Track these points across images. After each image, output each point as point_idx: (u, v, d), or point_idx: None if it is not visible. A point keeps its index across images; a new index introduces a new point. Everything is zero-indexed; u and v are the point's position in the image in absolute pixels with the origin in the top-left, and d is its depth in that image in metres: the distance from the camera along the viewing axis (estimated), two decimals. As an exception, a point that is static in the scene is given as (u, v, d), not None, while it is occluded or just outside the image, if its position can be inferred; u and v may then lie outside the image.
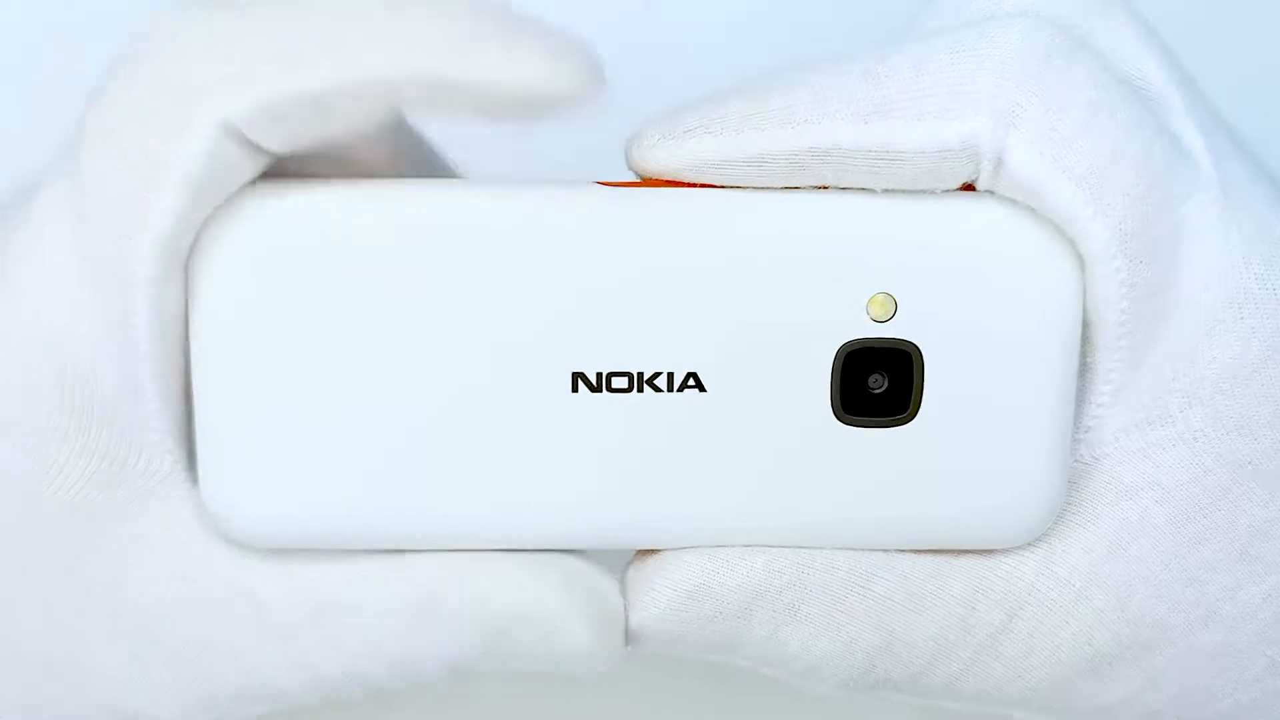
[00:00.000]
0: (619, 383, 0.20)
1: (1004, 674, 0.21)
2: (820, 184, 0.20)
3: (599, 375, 0.20)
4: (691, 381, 0.20)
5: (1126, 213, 0.19)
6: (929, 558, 0.21)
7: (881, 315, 0.20)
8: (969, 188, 0.20)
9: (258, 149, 0.19)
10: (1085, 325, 0.20)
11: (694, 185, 0.20)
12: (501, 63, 0.18)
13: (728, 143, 0.20)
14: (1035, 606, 0.21)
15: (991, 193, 0.20)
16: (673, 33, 0.32)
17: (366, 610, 0.20)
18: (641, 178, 0.21)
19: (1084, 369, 0.21)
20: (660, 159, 0.20)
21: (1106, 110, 0.19)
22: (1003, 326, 0.20)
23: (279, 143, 0.19)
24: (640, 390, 0.20)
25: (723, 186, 0.20)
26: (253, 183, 0.20)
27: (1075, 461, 0.21)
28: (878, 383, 0.20)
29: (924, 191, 0.20)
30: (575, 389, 0.20)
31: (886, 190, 0.20)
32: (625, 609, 0.21)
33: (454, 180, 0.21)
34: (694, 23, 0.32)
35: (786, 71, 0.20)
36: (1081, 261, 0.20)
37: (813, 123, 0.19)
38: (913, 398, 0.20)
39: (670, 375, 0.20)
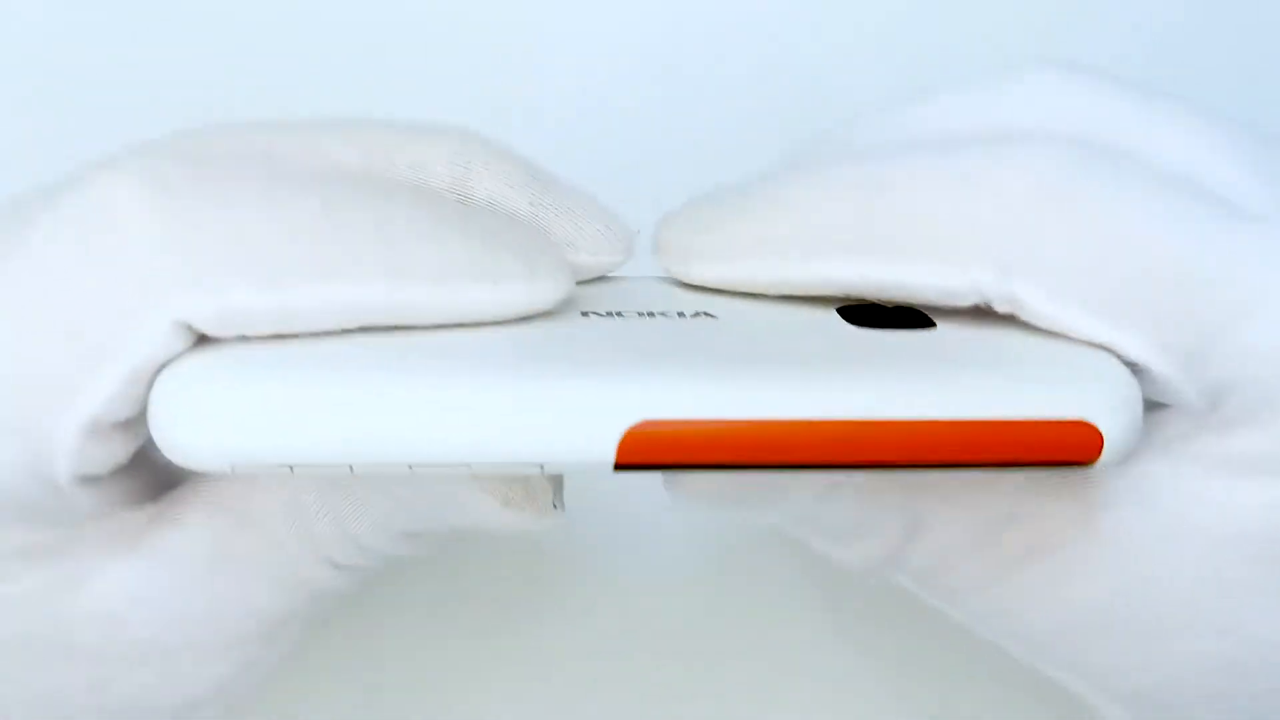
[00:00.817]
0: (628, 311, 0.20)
1: (1009, 605, 0.21)
2: (840, 295, 0.20)
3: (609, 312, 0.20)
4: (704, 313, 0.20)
5: (1159, 321, 0.19)
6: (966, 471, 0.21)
7: None
8: None
9: (204, 336, 0.18)
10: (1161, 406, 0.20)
11: None
12: (487, 298, 0.18)
13: (737, 269, 0.21)
14: (1061, 556, 0.21)
15: None
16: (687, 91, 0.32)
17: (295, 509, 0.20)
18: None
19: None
20: (678, 274, 0.21)
21: (1122, 228, 0.19)
22: None
23: (232, 335, 0.18)
24: (651, 316, 0.20)
25: None
26: None
27: (1160, 440, 0.20)
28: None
29: None
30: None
31: None
32: (551, 481, 0.21)
33: None
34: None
35: (784, 177, 0.20)
36: None
37: (820, 257, 0.20)
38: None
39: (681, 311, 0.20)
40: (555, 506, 0.21)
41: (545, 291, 0.19)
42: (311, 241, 0.18)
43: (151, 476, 0.22)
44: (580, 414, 0.17)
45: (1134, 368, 0.19)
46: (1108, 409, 0.19)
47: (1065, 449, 0.18)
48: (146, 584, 0.20)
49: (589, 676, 0.29)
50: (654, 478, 0.21)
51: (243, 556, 0.20)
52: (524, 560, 0.30)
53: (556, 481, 0.21)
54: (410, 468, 0.18)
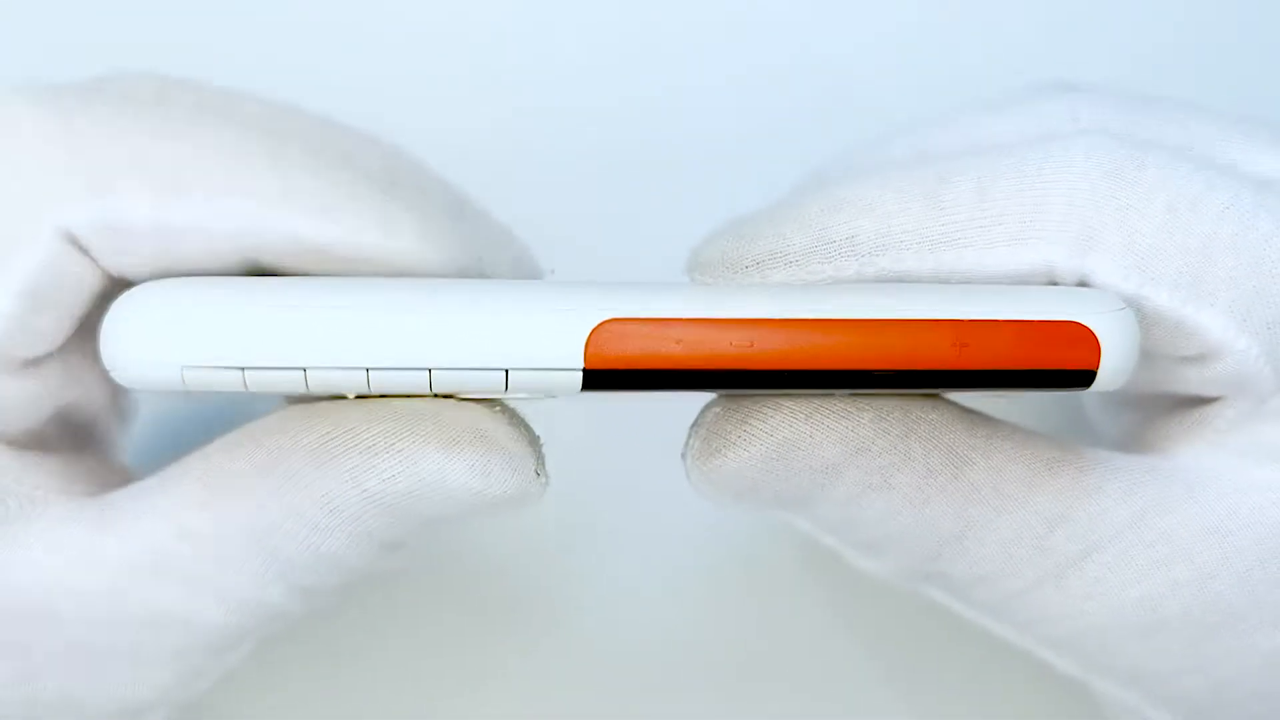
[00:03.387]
0: None
1: (1059, 610, 0.21)
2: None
3: None
4: None
5: (1235, 294, 0.19)
6: (1025, 463, 0.20)
7: None
8: None
9: (97, 266, 0.19)
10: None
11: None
12: (376, 234, 0.18)
13: (794, 275, 0.19)
14: (1113, 555, 0.20)
15: None
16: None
17: (243, 530, 0.19)
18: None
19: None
20: (731, 283, 0.20)
21: (1187, 204, 0.19)
22: None
23: (117, 264, 0.18)
24: None
25: None
26: None
27: (1210, 433, 0.21)
28: None
29: None
30: None
31: None
32: (534, 447, 0.20)
33: None
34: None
35: (835, 181, 0.20)
36: None
37: (879, 254, 0.19)
38: None
39: None
40: (538, 475, 0.20)
41: (440, 251, 0.18)
42: (197, 158, 0.18)
43: (95, 466, 0.21)
44: (545, 312, 0.17)
45: (1215, 348, 0.19)
46: (1104, 317, 0.18)
47: (1062, 352, 0.18)
48: (83, 581, 0.19)
49: (585, 681, 0.29)
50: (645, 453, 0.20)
51: (189, 569, 0.19)
52: (517, 567, 0.30)
53: (537, 449, 0.20)
54: (368, 374, 0.17)
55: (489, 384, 0.17)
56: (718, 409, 0.20)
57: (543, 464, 0.20)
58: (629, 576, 0.30)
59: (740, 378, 0.18)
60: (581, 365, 0.17)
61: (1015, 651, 0.23)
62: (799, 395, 0.19)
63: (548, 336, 0.17)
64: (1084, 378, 0.19)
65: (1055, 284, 0.19)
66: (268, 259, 0.19)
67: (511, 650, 0.29)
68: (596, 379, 0.17)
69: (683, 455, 0.20)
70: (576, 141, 0.31)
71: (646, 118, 0.32)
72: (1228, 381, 0.20)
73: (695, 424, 0.20)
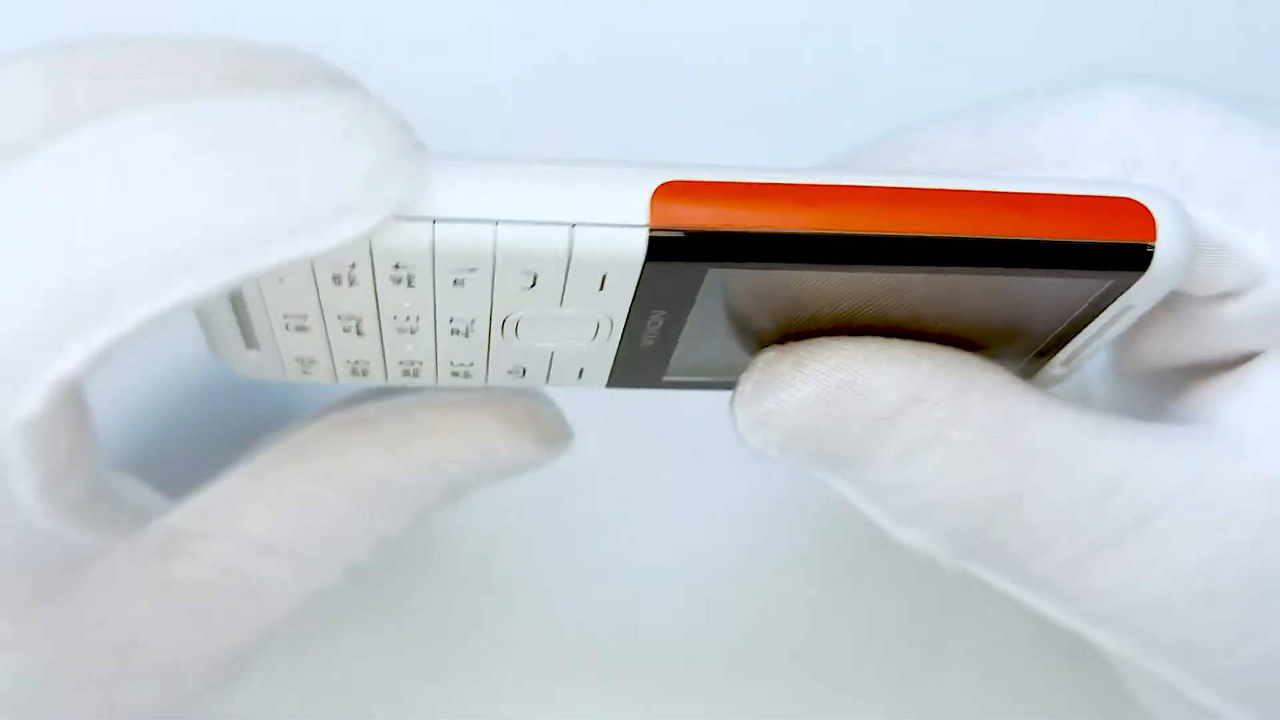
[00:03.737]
0: None
1: (1114, 581, 0.20)
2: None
3: None
4: None
5: (1278, 217, 0.19)
6: (1079, 427, 0.20)
7: None
8: None
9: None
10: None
11: None
12: (286, 250, 0.16)
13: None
14: (1170, 519, 0.20)
15: None
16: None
17: (321, 538, 0.21)
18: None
19: None
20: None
21: (1228, 132, 0.19)
22: None
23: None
24: None
25: None
26: None
27: (1254, 393, 0.21)
28: None
29: None
30: None
31: None
32: (560, 416, 0.22)
33: None
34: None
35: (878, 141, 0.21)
36: None
37: (933, 178, 0.19)
38: None
39: None
40: (570, 436, 0.22)
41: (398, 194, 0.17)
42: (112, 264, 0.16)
43: (119, 485, 0.21)
44: (614, 174, 0.17)
45: (1258, 271, 0.19)
46: (1158, 198, 0.18)
47: (1119, 224, 0.18)
48: (158, 611, 0.20)
49: (584, 673, 0.29)
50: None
51: (265, 578, 0.21)
52: (522, 558, 0.30)
53: (559, 414, 0.22)
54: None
55: (554, 247, 0.17)
56: (771, 354, 0.19)
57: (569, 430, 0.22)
58: (627, 570, 0.29)
59: (805, 244, 0.17)
60: (648, 221, 0.17)
61: (1019, 641, 0.23)
62: (858, 332, 0.19)
63: (614, 191, 0.17)
64: (1142, 257, 0.18)
65: None
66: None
67: (508, 642, 0.29)
68: (663, 240, 0.17)
69: (730, 403, 0.20)
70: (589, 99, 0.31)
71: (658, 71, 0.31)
72: (1269, 314, 0.20)
73: (748, 371, 0.20)
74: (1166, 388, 0.23)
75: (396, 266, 0.17)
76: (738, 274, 0.18)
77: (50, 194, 0.16)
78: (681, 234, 0.17)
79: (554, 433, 0.22)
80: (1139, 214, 0.18)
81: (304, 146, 0.16)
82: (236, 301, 0.19)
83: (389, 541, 0.22)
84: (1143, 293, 0.19)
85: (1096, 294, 0.19)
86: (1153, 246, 0.18)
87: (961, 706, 0.29)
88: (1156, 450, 0.20)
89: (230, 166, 0.16)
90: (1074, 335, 0.21)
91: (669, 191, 0.17)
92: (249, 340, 0.20)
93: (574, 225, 0.17)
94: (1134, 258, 0.18)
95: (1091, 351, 0.21)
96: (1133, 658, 0.21)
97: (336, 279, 0.18)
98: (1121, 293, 0.19)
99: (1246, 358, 0.21)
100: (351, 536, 0.21)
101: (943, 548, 0.21)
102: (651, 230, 0.17)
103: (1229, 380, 0.21)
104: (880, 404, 0.19)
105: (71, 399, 0.17)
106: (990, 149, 0.20)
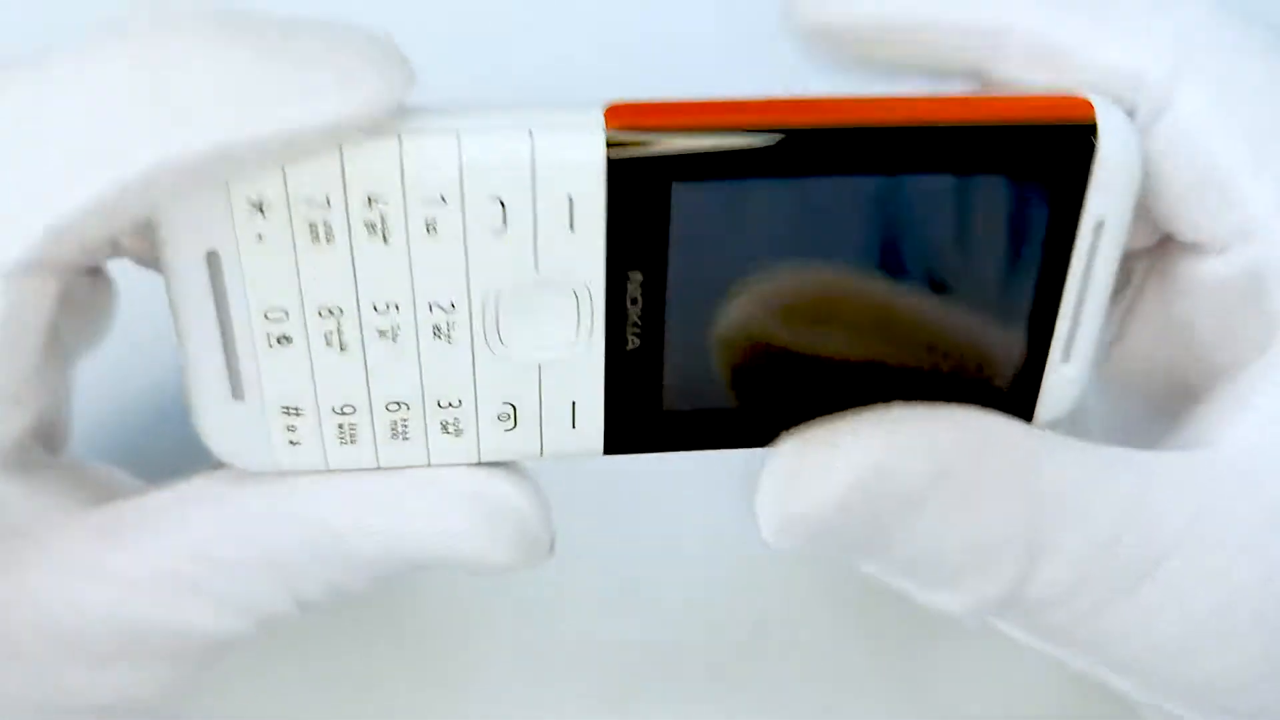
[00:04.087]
0: None
1: (1131, 625, 0.20)
2: (972, 69, 0.20)
3: None
4: None
5: None
6: (1086, 470, 0.20)
7: None
8: None
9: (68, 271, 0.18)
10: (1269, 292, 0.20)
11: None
12: (291, 113, 0.17)
13: (914, 4, 0.19)
14: (1178, 562, 0.20)
15: None
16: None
17: (270, 564, 0.20)
18: (799, 32, 0.20)
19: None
20: (832, 10, 0.20)
21: None
22: None
23: (76, 258, 0.18)
24: None
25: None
26: None
27: (1251, 413, 0.20)
28: None
29: None
30: None
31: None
32: (547, 522, 0.21)
33: None
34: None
35: None
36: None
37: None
38: None
39: None
40: (550, 551, 0.21)
41: (369, 101, 0.17)
42: (97, 129, 0.17)
43: (80, 472, 0.21)
44: (562, 104, 0.19)
45: (1251, 224, 0.20)
46: (1097, 95, 0.19)
47: (1055, 110, 0.19)
48: (89, 594, 0.20)
49: (581, 676, 0.29)
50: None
51: (202, 587, 0.20)
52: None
53: (546, 520, 0.21)
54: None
55: (515, 152, 0.18)
56: (789, 449, 0.19)
57: (554, 539, 0.21)
58: (627, 571, 0.30)
59: (759, 148, 0.18)
60: (603, 124, 0.18)
61: (1016, 645, 0.22)
62: (864, 407, 0.19)
63: (570, 114, 0.18)
64: (1085, 140, 0.19)
65: (1139, 101, 0.20)
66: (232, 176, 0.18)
67: (507, 643, 0.29)
68: (620, 144, 0.18)
69: (754, 504, 0.20)
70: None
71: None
72: (1251, 276, 0.20)
73: (766, 469, 0.20)
74: (1166, 411, 0.23)
75: (369, 203, 0.18)
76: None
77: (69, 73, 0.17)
78: (636, 134, 0.18)
79: (532, 539, 0.20)
80: (1076, 103, 0.19)
81: (307, 38, 0.17)
82: (224, 322, 0.19)
83: (344, 593, 0.21)
84: (1105, 196, 0.19)
85: (1060, 210, 0.19)
86: (1094, 124, 0.19)
87: (961, 707, 0.29)
88: (1160, 486, 0.20)
89: (243, 46, 0.17)
90: (1057, 293, 0.20)
91: (619, 107, 0.18)
92: (235, 386, 0.19)
93: (532, 130, 0.18)
94: (1077, 139, 0.19)
95: (1087, 333, 0.21)
96: (1151, 700, 0.21)
97: (313, 229, 0.18)
98: (1082, 198, 0.19)
99: (1240, 367, 0.21)
100: (300, 575, 0.20)
101: (969, 609, 0.20)
102: (607, 130, 0.18)
103: (1229, 399, 0.21)
104: (909, 488, 0.19)
105: (47, 295, 0.18)
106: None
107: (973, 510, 0.19)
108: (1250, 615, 0.20)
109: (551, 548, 0.21)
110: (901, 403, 0.19)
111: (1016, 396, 0.21)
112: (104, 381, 0.24)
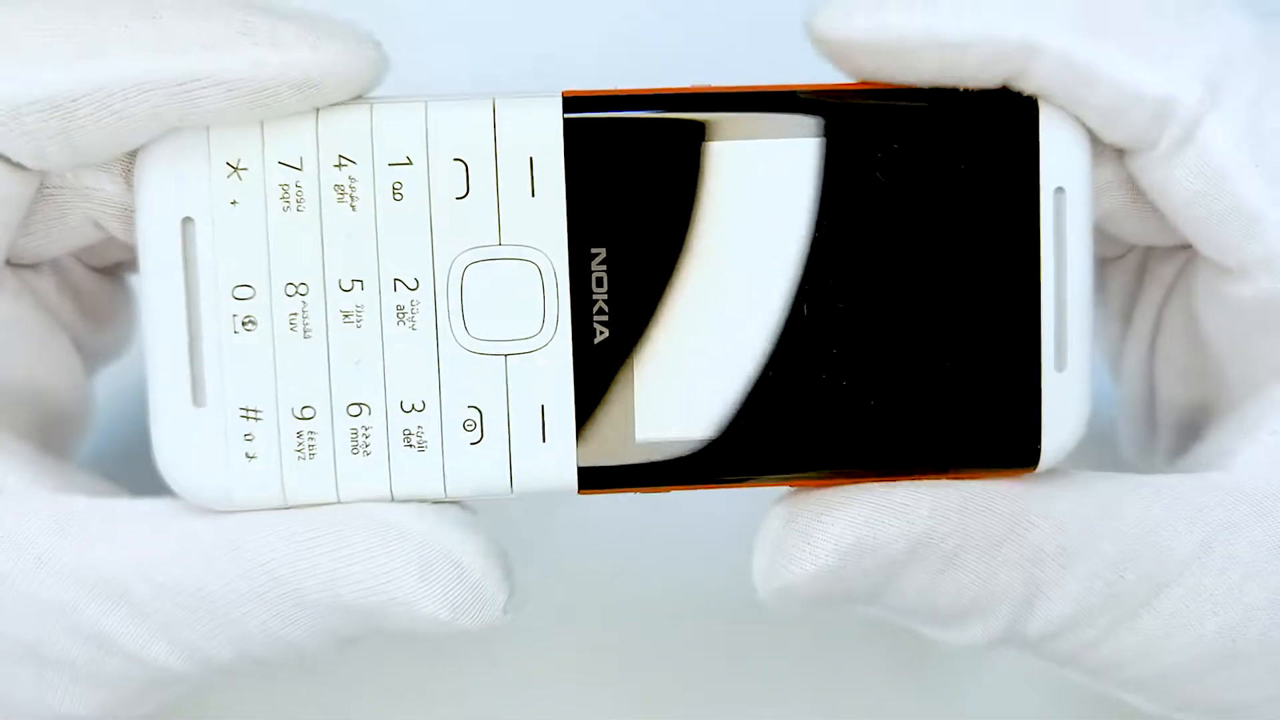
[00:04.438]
0: None
1: (1137, 651, 0.20)
2: (1001, 84, 0.19)
3: None
4: None
5: None
6: (1086, 511, 0.20)
7: None
8: None
9: (14, 165, 0.19)
10: None
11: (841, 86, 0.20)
12: (259, 54, 0.18)
13: (938, 19, 0.19)
14: (1185, 588, 0.20)
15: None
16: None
17: (207, 596, 0.19)
18: (821, 48, 0.20)
19: None
20: (856, 28, 0.19)
21: None
22: None
23: (30, 155, 0.18)
24: None
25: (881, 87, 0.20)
26: None
27: (1265, 435, 0.20)
28: None
29: None
30: None
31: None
32: (499, 578, 0.20)
33: None
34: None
35: None
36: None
37: (1031, 14, 0.19)
38: None
39: None
40: (505, 612, 0.20)
41: (339, 60, 0.18)
42: (64, 21, 0.18)
43: (62, 467, 0.21)
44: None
45: (1273, 258, 0.19)
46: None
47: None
48: (32, 583, 0.19)
49: (585, 678, 0.29)
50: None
51: (144, 606, 0.19)
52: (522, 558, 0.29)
53: (510, 583, 0.20)
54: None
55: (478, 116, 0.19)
56: (778, 524, 0.20)
57: (513, 599, 0.20)
58: (627, 572, 0.29)
59: (696, 100, 0.19)
60: (560, 95, 0.19)
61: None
62: (857, 487, 0.20)
63: (530, 99, 0.19)
64: (1026, 106, 0.19)
65: (1167, 127, 0.19)
66: (196, 116, 0.18)
67: (506, 643, 0.29)
68: (579, 125, 0.19)
69: (752, 573, 0.21)
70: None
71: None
72: (1269, 302, 0.20)
73: (758, 543, 0.20)
74: (1188, 423, 0.23)
75: (340, 164, 0.19)
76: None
77: None
78: (593, 100, 0.19)
79: (476, 602, 0.19)
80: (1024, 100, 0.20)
81: (298, 17, 0.19)
82: (192, 303, 0.19)
83: (290, 645, 0.20)
84: (1056, 158, 0.19)
85: (1018, 181, 0.19)
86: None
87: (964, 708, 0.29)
88: (1166, 518, 0.20)
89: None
90: (1035, 288, 0.20)
91: (574, 93, 0.19)
92: (197, 387, 0.19)
93: (495, 100, 0.19)
94: (1018, 103, 0.19)
95: (1078, 341, 0.20)
96: (1161, 713, 0.22)
97: (285, 192, 0.19)
98: (1035, 161, 0.19)
99: (1257, 388, 0.21)
100: (243, 620, 0.19)
101: (972, 645, 0.21)
102: (564, 94, 0.19)
103: (1243, 421, 0.21)
104: (892, 554, 0.20)
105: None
106: (1101, 8, 0.19)
107: (958, 571, 0.20)
108: (1258, 638, 0.20)
109: (505, 608, 0.20)
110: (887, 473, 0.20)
111: (1017, 416, 0.20)
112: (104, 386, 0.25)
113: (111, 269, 0.23)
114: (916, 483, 0.20)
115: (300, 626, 0.19)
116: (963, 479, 0.20)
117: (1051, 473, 0.20)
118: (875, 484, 0.20)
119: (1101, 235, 0.21)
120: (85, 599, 0.19)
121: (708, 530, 0.29)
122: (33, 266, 0.21)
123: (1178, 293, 0.22)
